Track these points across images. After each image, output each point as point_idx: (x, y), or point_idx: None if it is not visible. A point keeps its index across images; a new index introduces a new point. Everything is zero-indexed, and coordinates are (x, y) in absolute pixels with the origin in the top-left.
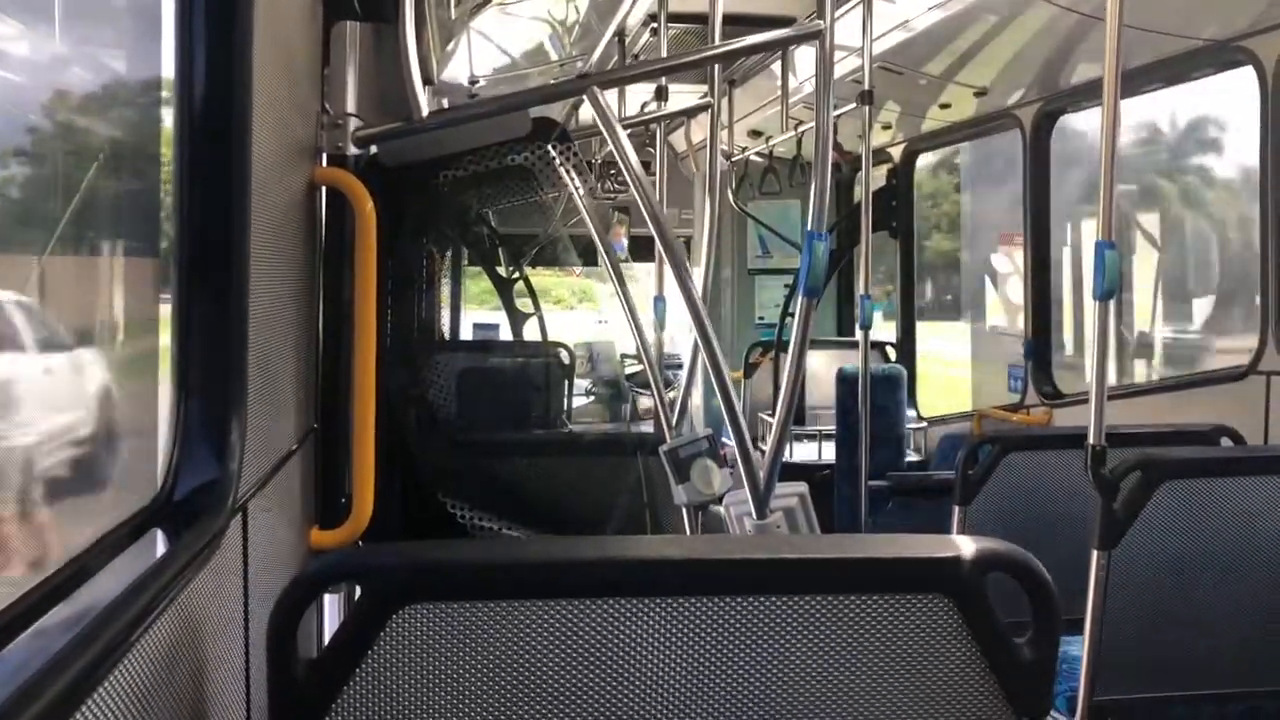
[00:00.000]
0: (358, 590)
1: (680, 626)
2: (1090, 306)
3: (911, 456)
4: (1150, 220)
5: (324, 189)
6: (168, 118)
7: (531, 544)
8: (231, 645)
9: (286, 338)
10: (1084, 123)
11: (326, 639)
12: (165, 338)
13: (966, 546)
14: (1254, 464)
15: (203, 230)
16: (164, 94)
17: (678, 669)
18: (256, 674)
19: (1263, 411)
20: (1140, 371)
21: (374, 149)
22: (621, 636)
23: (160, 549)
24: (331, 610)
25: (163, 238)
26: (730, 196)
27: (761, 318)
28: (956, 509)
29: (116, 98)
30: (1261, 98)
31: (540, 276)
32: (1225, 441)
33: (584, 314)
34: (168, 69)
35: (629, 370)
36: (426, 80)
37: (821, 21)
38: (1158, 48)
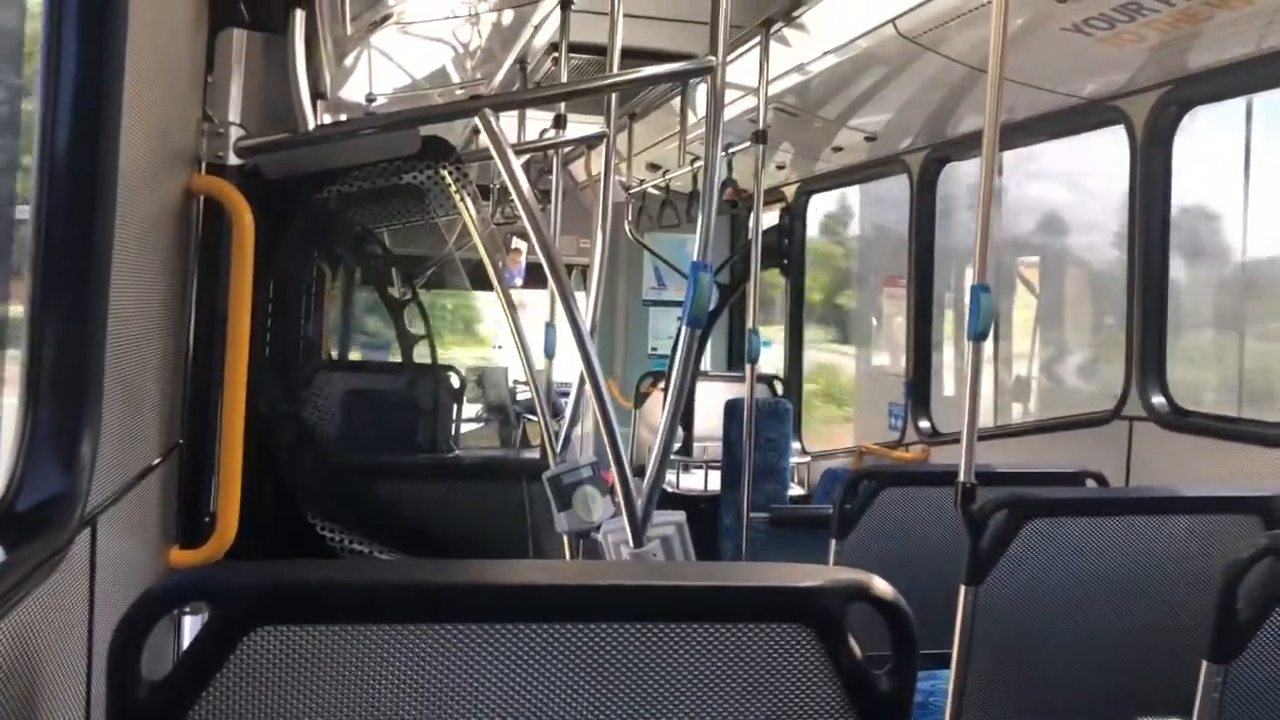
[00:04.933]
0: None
1: (545, 653)
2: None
3: (795, 490)
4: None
5: (202, 198)
6: (29, 108)
7: (392, 566)
8: (72, 666)
9: (152, 348)
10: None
11: None
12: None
13: (828, 577)
14: (1115, 505)
15: (63, 232)
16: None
17: (542, 696)
18: (99, 698)
19: (1125, 454)
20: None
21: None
22: (485, 663)
23: None
24: (192, 634)
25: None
26: (627, 227)
27: (654, 348)
28: (833, 542)
29: None
30: (1131, 155)
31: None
32: (1090, 483)
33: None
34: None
35: (520, 396)
36: (318, 94)
37: (714, 58)
38: (1040, 103)
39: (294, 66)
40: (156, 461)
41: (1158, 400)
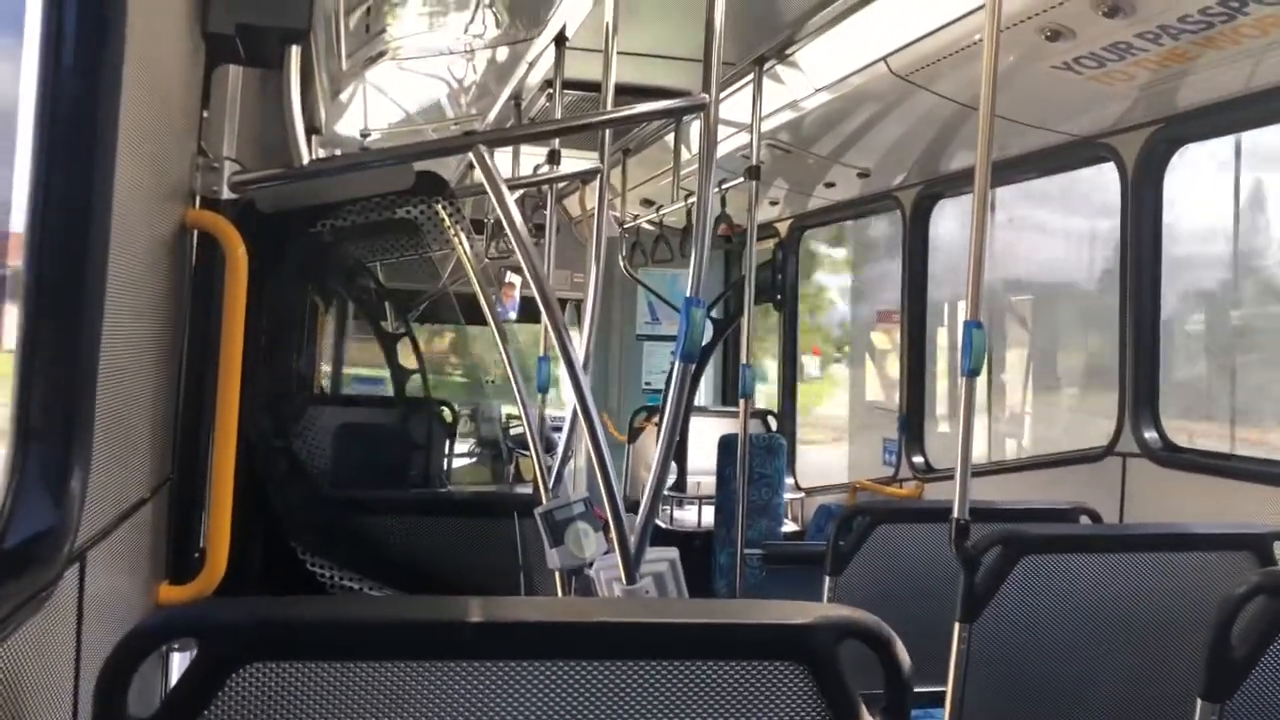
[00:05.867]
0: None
1: (536, 690)
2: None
3: (790, 526)
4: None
5: (196, 232)
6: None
7: (382, 603)
8: (59, 703)
9: (144, 382)
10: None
11: None
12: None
13: (820, 614)
14: (1109, 541)
15: (55, 265)
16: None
17: None
18: None
19: (1119, 490)
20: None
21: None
22: (476, 701)
23: None
24: (180, 671)
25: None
26: (622, 262)
27: (649, 383)
28: (827, 579)
29: None
30: (1122, 192)
31: None
32: (1084, 519)
33: None
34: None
35: (514, 431)
36: (313, 129)
37: (707, 95)
38: (1031, 140)
39: (289, 102)
40: (147, 496)
41: (1151, 436)
